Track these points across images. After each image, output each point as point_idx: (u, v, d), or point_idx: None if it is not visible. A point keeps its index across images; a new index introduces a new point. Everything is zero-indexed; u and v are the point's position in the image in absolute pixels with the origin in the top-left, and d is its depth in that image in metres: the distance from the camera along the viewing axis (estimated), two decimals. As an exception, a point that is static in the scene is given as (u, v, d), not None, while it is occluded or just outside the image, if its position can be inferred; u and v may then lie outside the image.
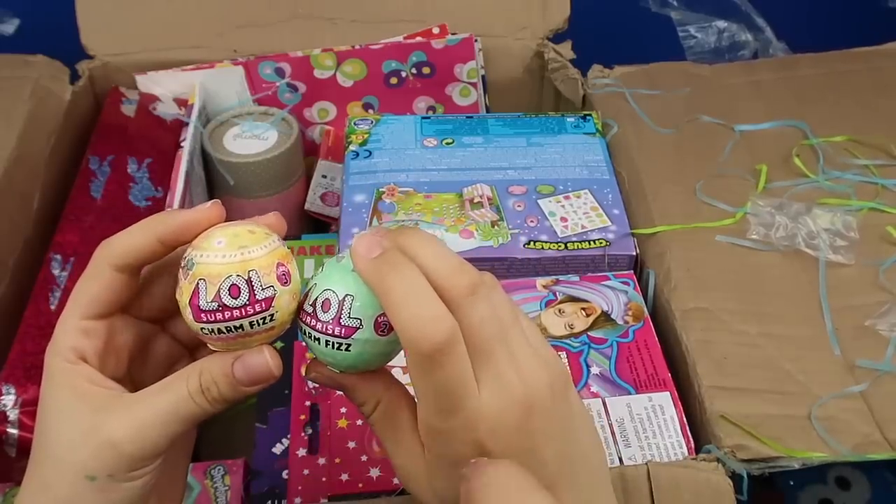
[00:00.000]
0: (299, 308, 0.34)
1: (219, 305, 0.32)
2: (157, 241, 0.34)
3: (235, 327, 0.32)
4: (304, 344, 0.35)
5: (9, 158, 0.62)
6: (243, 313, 0.32)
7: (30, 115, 0.66)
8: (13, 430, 0.49)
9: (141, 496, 0.33)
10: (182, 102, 0.74)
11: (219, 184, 0.72)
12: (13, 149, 0.63)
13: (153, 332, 0.38)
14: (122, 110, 0.72)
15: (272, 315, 0.32)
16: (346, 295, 0.33)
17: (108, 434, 0.32)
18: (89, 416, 0.32)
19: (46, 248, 0.60)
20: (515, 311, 0.34)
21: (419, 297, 0.31)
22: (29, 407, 0.50)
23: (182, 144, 0.67)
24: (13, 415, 0.49)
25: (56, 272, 0.57)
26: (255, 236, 0.33)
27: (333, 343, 0.34)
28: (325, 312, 0.33)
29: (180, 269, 0.33)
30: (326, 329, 0.33)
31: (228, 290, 0.31)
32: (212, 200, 0.35)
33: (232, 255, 0.32)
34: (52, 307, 0.55)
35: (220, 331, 0.32)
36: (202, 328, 0.32)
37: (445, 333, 0.30)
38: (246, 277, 0.32)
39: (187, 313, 0.32)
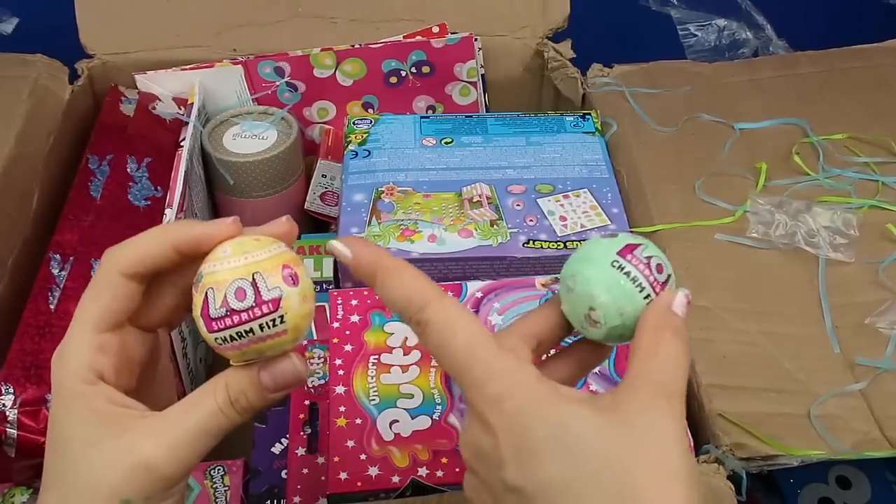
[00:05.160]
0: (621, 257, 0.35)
1: (227, 311, 0.31)
2: (172, 248, 0.34)
3: (245, 332, 0.32)
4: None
5: (8, 158, 0.62)
6: (251, 315, 0.32)
7: (29, 115, 0.66)
8: (12, 430, 0.49)
9: None
10: (181, 102, 0.74)
11: (218, 183, 0.72)
12: (12, 148, 0.63)
13: (143, 338, 0.37)
14: (121, 109, 0.72)
15: (281, 317, 0.32)
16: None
17: (143, 457, 0.32)
18: (117, 439, 0.32)
19: (45, 248, 0.59)
20: None
21: None
22: (28, 407, 0.50)
23: (181, 144, 0.67)
24: (12, 414, 0.49)
25: (55, 271, 0.57)
26: (259, 243, 0.33)
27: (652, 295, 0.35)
28: (660, 273, 0.35)
29: (193, 288, 0.33)
30: (656, 287, 0.35)
31: (234, 293, 0.31)
32: (232, 217, 0.34)
33: (236, 260, 0.32)
34: (52, 307, 0.55)
35: (231, 338, 0.32)
36: (216, 339, 0.32)
37: None
38: (250, 280, 0.32)
39: (201, 325, 0.32)
